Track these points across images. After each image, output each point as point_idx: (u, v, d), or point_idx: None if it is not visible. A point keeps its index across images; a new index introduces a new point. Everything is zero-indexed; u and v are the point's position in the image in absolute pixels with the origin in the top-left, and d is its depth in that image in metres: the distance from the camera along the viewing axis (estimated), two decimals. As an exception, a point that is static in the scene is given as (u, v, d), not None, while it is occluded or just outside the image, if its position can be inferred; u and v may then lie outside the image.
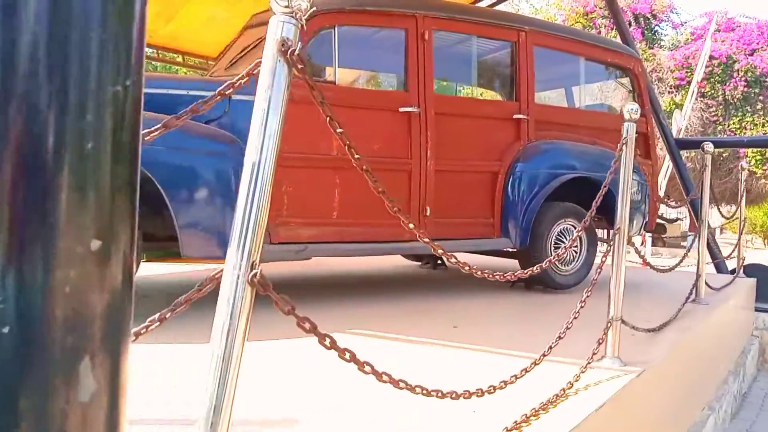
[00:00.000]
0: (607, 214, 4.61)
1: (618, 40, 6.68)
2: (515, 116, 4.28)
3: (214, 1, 6.02)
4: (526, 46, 4.33)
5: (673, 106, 16.30)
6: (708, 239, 6.26)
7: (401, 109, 3.82)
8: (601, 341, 2.49)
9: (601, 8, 21.55)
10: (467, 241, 4.06)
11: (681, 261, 3.82)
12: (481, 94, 4.76)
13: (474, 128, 4.15)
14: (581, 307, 2.41)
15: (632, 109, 2.65)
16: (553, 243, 4.36)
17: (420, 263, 5.84)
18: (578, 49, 4.68)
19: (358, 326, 3.08)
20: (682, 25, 20.56)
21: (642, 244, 11.47)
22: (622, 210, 2.66)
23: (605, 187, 2.61)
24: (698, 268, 4.19)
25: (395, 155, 3.85)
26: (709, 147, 4.17)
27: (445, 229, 4.03)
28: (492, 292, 4.40)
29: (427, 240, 1.72)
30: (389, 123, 3.83)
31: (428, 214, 3.93)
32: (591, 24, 21.24)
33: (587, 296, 2.44)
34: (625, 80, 5.15)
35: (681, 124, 12.52)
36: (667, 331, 3.23)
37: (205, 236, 3.07)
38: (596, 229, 5.07)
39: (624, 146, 2.64)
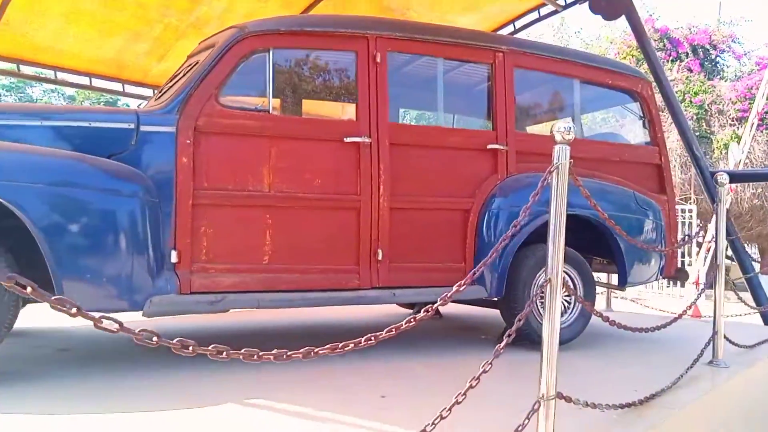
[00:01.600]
0: (612, 256, 3.97)
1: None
2: (490, 146, 3.74)
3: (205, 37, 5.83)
4: (504, 68, 3.82)
5: (735, 138, 15.12)
6: (754, 283, 5.42)
7: (347, 139, 3.36)
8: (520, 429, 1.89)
9: (655, 40, 20.67)
10: (432, 289, 3.50)
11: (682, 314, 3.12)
12: (453, 123, 4.24)
13: (439, 160, 3.64)
14: (481, 373, 1.83)
15: (564, 129, 2.10)
16: (537, 291, 3.72)
17: (413, 311, 5.27)
18: (571, 71, 4.12)
19: (264, 395, 2.58)
20: (746, 54, 19.36)
21: (696, 285, 10.37)
22: (554, 256, 2.08)
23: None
24: (714, 322, 3.45)
25: (341, 191, 3.38)
26: (723, 178, 3.48)
27: (404, 275, 3.50)
28: (466, 348, 3.80)
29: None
30: (334, 155, 3.38)
31: (380, 258, 3.42)
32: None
33: (485, 367, 1.86)
34: (634, 106, 4.51)
35: (738, 157, 11.44)
36: (650, 407, 2.55)
37: (84, 286, 2.67)
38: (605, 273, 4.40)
39: (553, 174, 2.08)
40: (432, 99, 3.77)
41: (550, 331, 2.06)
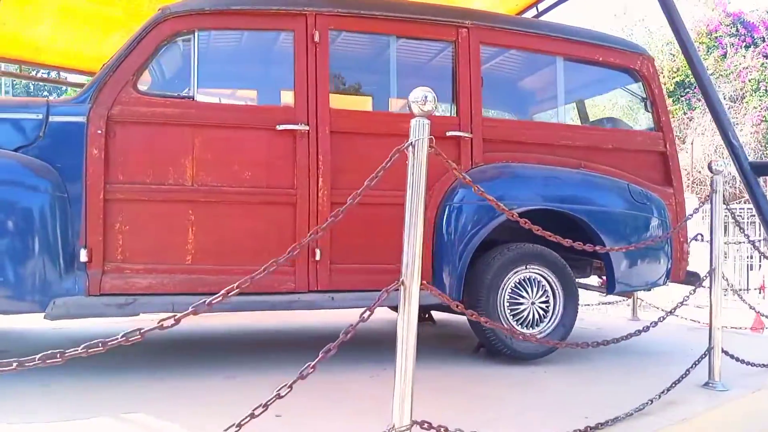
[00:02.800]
0: (601, 258, 3.48)
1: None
2: (450, 134, 3.33)
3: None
4: (468, 45, 3.40)
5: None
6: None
7: (281, 127, 3.05)
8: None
9: (727, 25, 19.24)
10: (379, 293, 3.13)
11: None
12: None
13: (390, 149, 3.25)
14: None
15: (421, 98, 1.73)
16: (506, 297, 3.29)
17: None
18: (552, 47, 3.64)
19: (141, 407, 2.31)
20: None
21: (760, 292, 9.40)
22: (409, 251, 1.71)
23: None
24: (710, 334, 2.91)
25: (274, 184, 3.08)
26: (718, 165, 2.94)
27: (348, 277, 3.16)
28: (427, 362, 3.41)
29: None
30: (266, 144, 3.08)
31: (318, 258, 3.09)
32: (716, 43, 19.00)
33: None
34: (634, 86, 3.98)
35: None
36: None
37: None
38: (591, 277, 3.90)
39: (409, 153, 1.72)
40: (384, 82, 3.40)
41: (404, 346, 1.68)
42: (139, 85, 2.98)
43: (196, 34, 3.04)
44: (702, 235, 3.75)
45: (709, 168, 2.96)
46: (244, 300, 2.91)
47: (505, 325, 3.26)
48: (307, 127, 3.09)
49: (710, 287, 2.93)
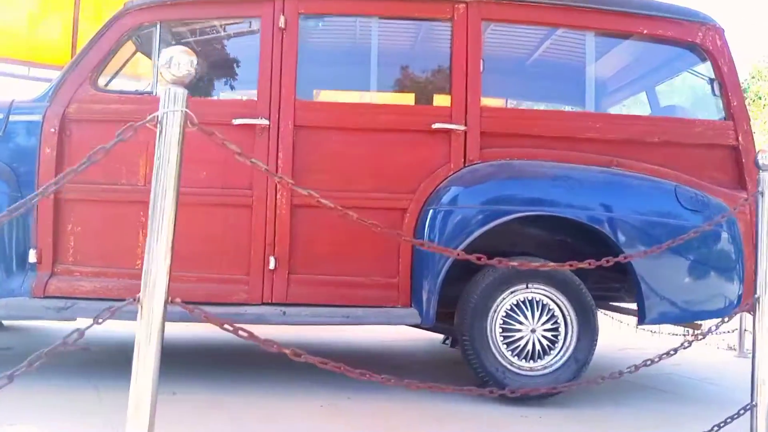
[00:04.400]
0: (626, 279, 2.80)
1: None
2: (437, 126, 2.84)
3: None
4: (466, 23, 2.89)
5: None
6: None
7: (237, 122, 2.79)
8: None
9: None
10: (351, 309, 2.74)
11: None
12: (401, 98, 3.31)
13: (366, 145, 2.87)
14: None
15: (168, 61, 1.36)
16: (498, 322, 2.72)
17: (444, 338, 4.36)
18: (578, 20, 2.99)
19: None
20: None
21: None
22: (153, 266, 1.34)
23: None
24: (753, 390, 2.14)
25: (229, 185, 2.82)
26: (766, 157, 2.16)
27: (310, 290, 2.80)
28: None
29: None
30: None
31: (273, 267, 2.77)
32: None
33: None
34: (703, 67, 3.16)
35: None
36: None
37: None
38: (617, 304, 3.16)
39: (158, 133, 1.36)
40: (364, 71, 2.99)
41: (139, 368, 1.30)
42: (101, 81, 2.89)
43: (158, 26, 2.88)
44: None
45: (755, 163, 2.19)
46: (181, 310, 2.66)
47: (497, 356, 2.70)
48: (267, 122, 2.80)
49: (754, 324, 2.16)
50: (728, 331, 4.83)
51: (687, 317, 2.81)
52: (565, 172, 2.80)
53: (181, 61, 1.35)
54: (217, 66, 3.27)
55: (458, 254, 2.24)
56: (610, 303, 3.38)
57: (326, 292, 2.80)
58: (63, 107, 2.81)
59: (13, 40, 5.86)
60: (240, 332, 1.44)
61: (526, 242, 2.95)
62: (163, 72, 1.36)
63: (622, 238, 2.67)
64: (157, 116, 1.35)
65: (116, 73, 3.29)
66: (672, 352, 2.18)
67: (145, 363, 1.32)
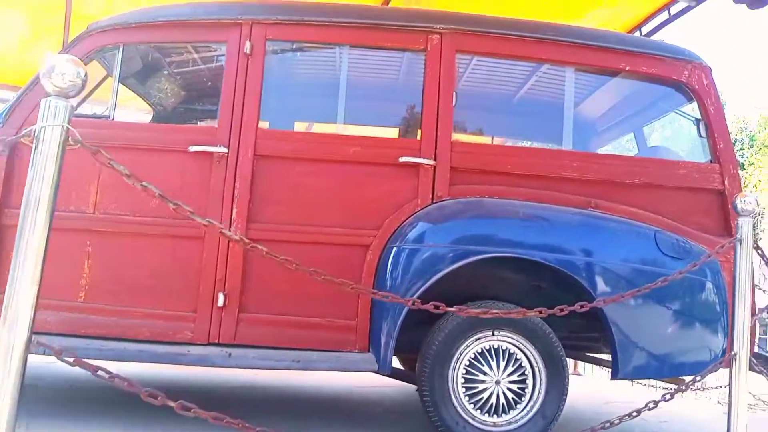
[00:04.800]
0: (601, 328, 2.61)
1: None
2: (404, 159, 2.70)
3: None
4: (440, 54, 2.78)
5: None
6: None
7: (193, 149, 2.66)
8: None
9: None
10: (302, 353, 2.55)
11: None
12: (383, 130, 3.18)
13: (329, 178, 2.72)
14: None
15: (51, 70, 1.22)
16: (460, 371, 2.53)
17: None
18: (557, 55, 2.87)
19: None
20: None
21: None
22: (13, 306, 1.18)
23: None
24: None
25: (183, 214, 2.66)
26: (744, 203, 1.99)
27: (259, 331, 2.62)
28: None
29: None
30: (178, 169, 2.70)
31: (222, 304, 2.60)
32: None
33: None
34: (690, 107, 3.02)
35: None
36: None
37: None
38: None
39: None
40: (332, 100, 2.86)
41: None
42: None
43: (121, 48, 2.79)
44: (778, 307, 2.67)
45: (734, 207, 2.02)
46: (121, 348, 2.49)
47: (458, 408, 2.50)
48: (225, 150, 2.66)
49: (730, 383, 1.96)
50: (720, 387, 4.58)
51: (665, 372, 2.60)
52: (537, 212, 2.64)
53: (66, 70, 1.21)
54: (188, 91, 3.16)
55: (413, 303, 2.09)
56: (587, 354, 3.17)
57: (279, 333, 2.62)
58: (15, 130, 2.70)
59: (3, 65, 5.85)
60: (116, 380, 1.27)
61: (499, 286, 2.77)
62: (44, 82, 1.22)
63: (595, 284, 2.49)
64: (34, 131, 1.20)
65: (86, 97, 3.21)
66: (652, 405, 1.99)
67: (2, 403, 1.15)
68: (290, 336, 2.61)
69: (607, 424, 1.99)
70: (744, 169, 21.03)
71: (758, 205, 2.09)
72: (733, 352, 1.97)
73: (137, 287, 2.63)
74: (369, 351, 2.60)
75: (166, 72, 3.04)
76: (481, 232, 2.59)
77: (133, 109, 3.88)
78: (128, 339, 2.56)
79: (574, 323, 2.96)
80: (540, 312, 2.12)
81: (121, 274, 2.64)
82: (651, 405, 1.92)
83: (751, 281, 2.59)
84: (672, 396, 1.94)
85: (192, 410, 1.22)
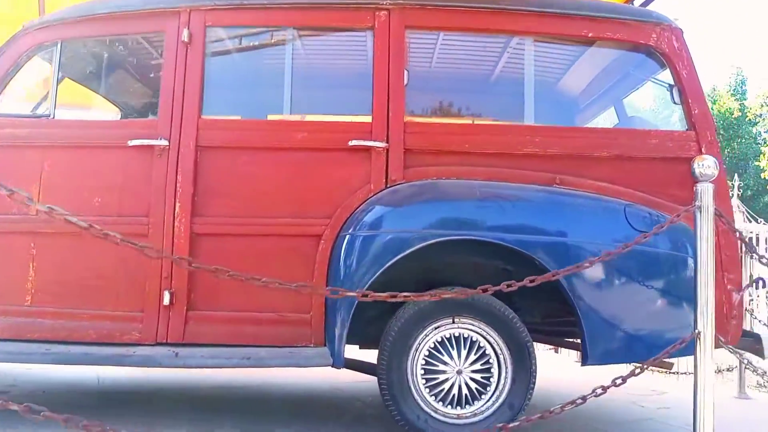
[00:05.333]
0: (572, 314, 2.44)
1: None
2: (354, 143, 2.56)
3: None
4: (388, 31, 2.64)
5: None
6: None
7: (133, 143, 2.56)
8: None
9: None
10: (253, 349, 2.44)
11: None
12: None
13: (276, 166, 2.60)
14: None
15: None
16: (419, 362, 2.39)
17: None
18: (514, 25, 2.71)
19: None
20: None
21: None
22: None
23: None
24: (695, 419, 1.75)
25: (125, 212, 2.58)
26: (702, 167, 1.81)
27: (209, 329, 2.51)
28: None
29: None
30: (120, 165, 2.60)
31: (168, 302, 2.49)
32: None
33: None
34: (664, 74, 2.83)
35: None
36: None
37: None
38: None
39: None
40: (279, 85, 2.73)
41: None
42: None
43: (59, 45, 2.70)
44: (764, 281, 2.48)
45: (692, 172, 1.85)
46: (65, 351, 2.40)
47: (419, 401, 2.36)
48: (166, 143, 2.56)
49: (695, 365, 1.79)
50: (728, 369, 4.36)
51: (638, 356, 2.42)
52: (495, 192, 2.49)
53: None
54: (125, 83, 3.07)
55: (365, 294, 1.97)
56: (566, 339, 3.00)
57: (230, 330, 2.50)
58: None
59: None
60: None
61: (469, 274, 2.63)
62: None
63: (558, 264, 2.32)
64: None
65: (44, 97, 3.13)
66: (600, 392, 1.83)
67: None
68: (243, 333, 2.50)
69: (547, 413, 1.83)
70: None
71: (717, 168, 1.90)
72: (696, 330, 1.80)
73: (84, 289, 2.54)
74: (325, 345, 2.47)
75: (124, 67, 2.95)
76: (435, 215, 2.44)
77: (99, 110, 3.80)
78: (75, 342, 2.47)
79: (548, 308, 2.80)
80: (485, 290, 1.97)
81: (67, 276, 2.55)
82: (599, 391, 1.76)
83: (734, 252, 2.42)
84: (624, 381, 1.77)
85: (42, 414, 1.11)
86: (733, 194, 10.43)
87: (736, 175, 12.88)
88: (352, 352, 2.87)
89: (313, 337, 2.49)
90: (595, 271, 2.30)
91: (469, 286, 2.45)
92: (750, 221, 9.95)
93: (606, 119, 3.60)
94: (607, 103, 3.39)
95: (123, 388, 3.48)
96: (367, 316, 2.64)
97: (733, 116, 25.33)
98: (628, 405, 3.56)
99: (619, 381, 1.76)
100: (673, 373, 4.77)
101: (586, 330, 2.30)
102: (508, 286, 1.98)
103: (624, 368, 2.79)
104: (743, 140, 25.38)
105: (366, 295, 2.02)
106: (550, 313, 2.80)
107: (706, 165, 1.85)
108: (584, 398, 1.74)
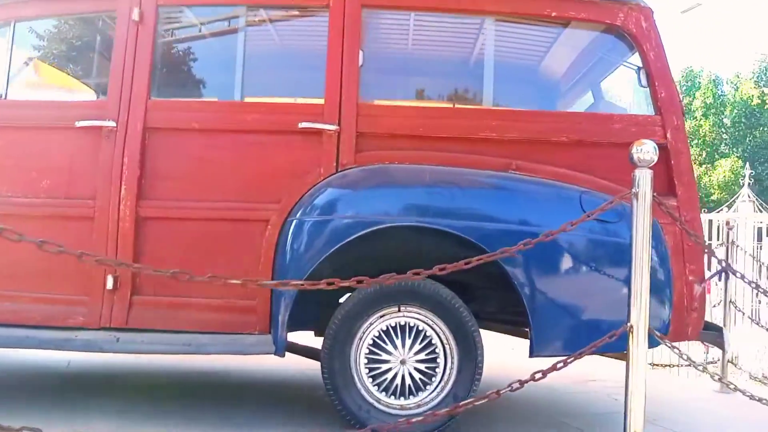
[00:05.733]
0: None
1: None
2: (303, 125, 2.49)
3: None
4: (343, 9, 2.56)
5: None
6: None
7: (80, 124, 2.51)
8: None
9: None
10: (194, 336, 2.40)
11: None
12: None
13: (226, 149, 2.55)
14: None
15: None
16: (363, 351, 2.33)
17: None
18: (476, 4, 2.61)
19: None
20: None
21: None
22: None
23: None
24: (627, 400, 1.67)
25: (72, 194, 2.54)
26: (641, 152, 1.72)
27: (153, 314, 2.47)
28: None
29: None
30: (69, 147, 2.56)
31: (111, 287, 2.45)
32: None
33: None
34: (635, 57, 2.71)
35: None
36: None
37: None
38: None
39: None
40: (230, 67, 2.67)
41: None
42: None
43: (13, 24, 2.66)
44: (726, 266, 2.38)
45: (630, 158, 1.76)
46: (5, 334, 2.38)
47: (362, 391, 2.30)
48: (114, 124, 2.51)
49: (628, 362, 1.71)
50: (713, 361, 4.25)
51: (587, 348, 2.32)
52: (446, 178, 2.40)
53: None
54: (77, 63, 3.02)
55: (303, 284, 1.91)
56: (522, 329, 2.92)
57: (176, 316, 2.46)
58: None
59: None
60: None
61: (426, 262, 2.55)
62: None
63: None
64: None
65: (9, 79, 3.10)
66: (539, 376, 1.75)
67: None
68: (190, 319, 2.46)
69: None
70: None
71: (656, 154, 1.80)
72: (629, 324, 1.71)
73: (29, 271, 2.51)
74: (270, 332, 2.42)
75: (80, 47, 2.90)
76: (382, 201, 2.37)
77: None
78: (17, 325, 2.45)
79: (504, 297, 2.72)
80: (417, 273, 1.90)
81: (13, 258, 2.52)
82: (538, 375, 1.69)
83: (684, 242, 2.33)
84: (545, 374, 1.70)
85: None
86: (743, 183, 10.16)
87: (747, 164, 12.53)
88: (309, 339, 2.84)
89: (259, 324, 2.45)
90: (538, 258, 2.22)
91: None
92: (761, 211, 9.66)
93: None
94: (582, 87, 3.27)
95: (93, 372, 3.48)
96: (324, 303, 2.58)
97: (753, 103, 24.74)
98: (603, 398, 3.47)
99: (538, 376, 1.69)
100: (658, 365, 4.67)
101: (534, 319, 2.22)
102: (441, 269, 1.91)
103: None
104: (765, 129, 24.80)
105: (303, 285, 1.97)
106: (506, 303, 2.72)
107: (644, 150, 1.75)
108: (522, 383, 1.67)
